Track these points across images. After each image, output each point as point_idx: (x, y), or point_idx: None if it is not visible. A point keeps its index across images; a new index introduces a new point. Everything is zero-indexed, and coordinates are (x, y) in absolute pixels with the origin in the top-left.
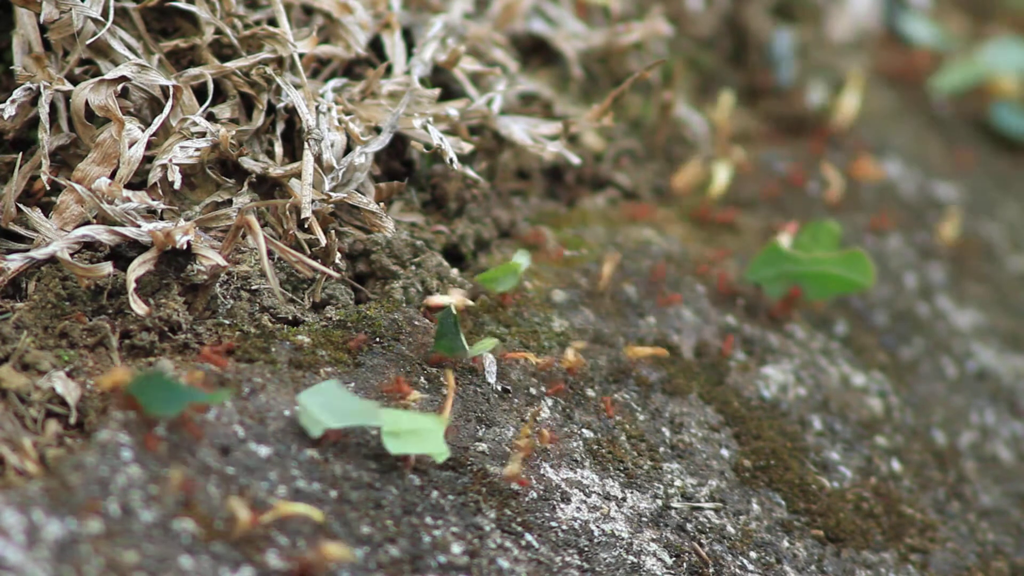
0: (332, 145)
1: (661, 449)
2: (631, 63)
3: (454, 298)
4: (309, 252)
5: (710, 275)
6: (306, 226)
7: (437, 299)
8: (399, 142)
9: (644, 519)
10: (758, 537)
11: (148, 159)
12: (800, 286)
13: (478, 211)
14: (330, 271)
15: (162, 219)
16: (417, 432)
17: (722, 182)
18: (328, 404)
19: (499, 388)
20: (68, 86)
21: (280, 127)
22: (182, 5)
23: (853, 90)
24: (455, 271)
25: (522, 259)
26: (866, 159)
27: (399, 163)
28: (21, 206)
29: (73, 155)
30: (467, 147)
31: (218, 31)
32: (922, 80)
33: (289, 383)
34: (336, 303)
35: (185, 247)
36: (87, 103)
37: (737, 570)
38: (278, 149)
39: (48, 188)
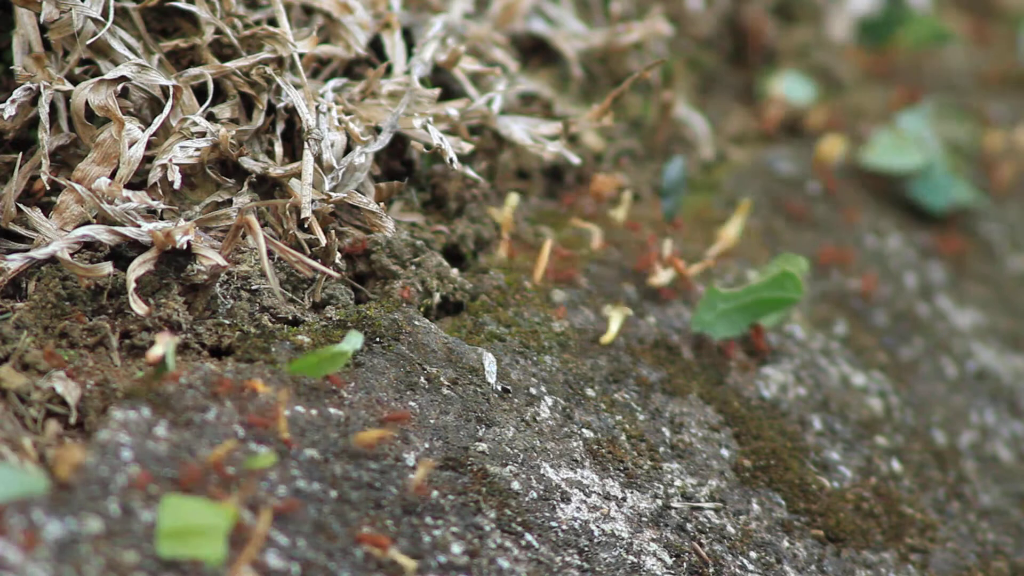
0: (332, 145)
1: (661, 449)
2: (631, 63)
3: (166, 343)
4: (309, 252)
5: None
6: (306, 226)
7: (155, 352)
8: (399, 142)
9: (644, 519)
10: (758, 537)
11: (148, 159)
12: (747, 320)
13: (478, 211)
14: (330, 271)
15: (162, 219)
16: (199, 531)
17: (613, 331)
18: None
19: (499, 388)
20: (68, 86)
21: (280, 127)
22: (182, 5)
23: (738, 217)
24: (455, 271)
25: (353, 342)
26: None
27: (399, 163)
28: (21, 206)
29: (73, 155)
30: (467, 147)
31: (218, 31)
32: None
33: (289, 383)
34: (336, 303)
35: (185, 247)
36: (87, 103)
37: (737, 570)
38: (278, 149)
39: (48, 188)
